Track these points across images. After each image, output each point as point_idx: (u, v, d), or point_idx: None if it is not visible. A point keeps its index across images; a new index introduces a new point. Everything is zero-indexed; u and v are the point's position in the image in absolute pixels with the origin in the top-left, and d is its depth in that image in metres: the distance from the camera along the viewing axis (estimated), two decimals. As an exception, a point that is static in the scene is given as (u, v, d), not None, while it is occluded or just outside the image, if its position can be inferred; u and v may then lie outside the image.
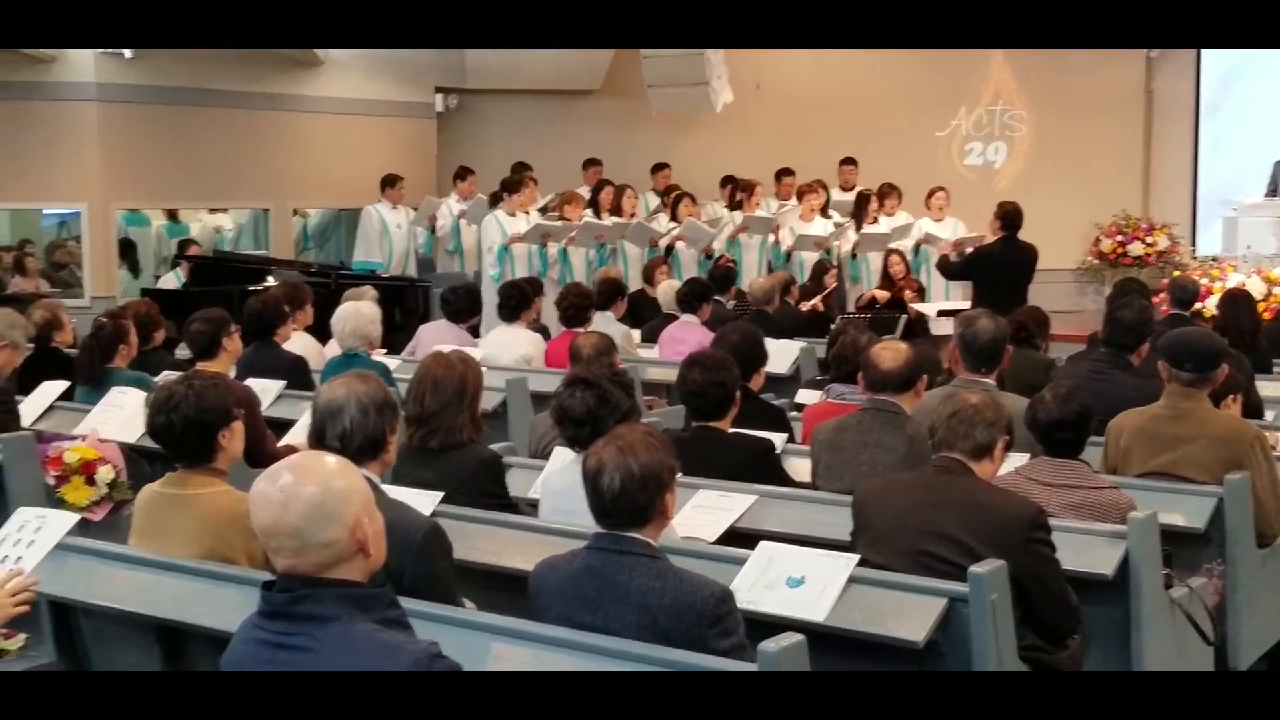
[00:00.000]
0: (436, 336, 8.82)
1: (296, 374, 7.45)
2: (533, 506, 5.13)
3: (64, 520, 4.08)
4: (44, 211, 14.32)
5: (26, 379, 7.31)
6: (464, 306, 9.14)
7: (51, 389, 7.08)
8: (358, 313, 7.69)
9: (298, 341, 8.06)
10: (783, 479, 5.34)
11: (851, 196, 13.80)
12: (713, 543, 4.65)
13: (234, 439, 4.32)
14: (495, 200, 13.01)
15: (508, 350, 8.73)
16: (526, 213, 12.73)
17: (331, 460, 2.92)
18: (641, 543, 3.54)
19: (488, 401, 7.24)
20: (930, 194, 13.26)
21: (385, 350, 8.57)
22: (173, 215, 15.04)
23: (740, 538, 4.65)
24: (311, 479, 2.80)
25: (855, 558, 4.04)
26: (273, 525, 2.78)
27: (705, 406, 5.29)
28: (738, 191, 13.45)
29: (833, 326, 9.27)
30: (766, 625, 3.65)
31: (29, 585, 3.89)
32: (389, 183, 13.72)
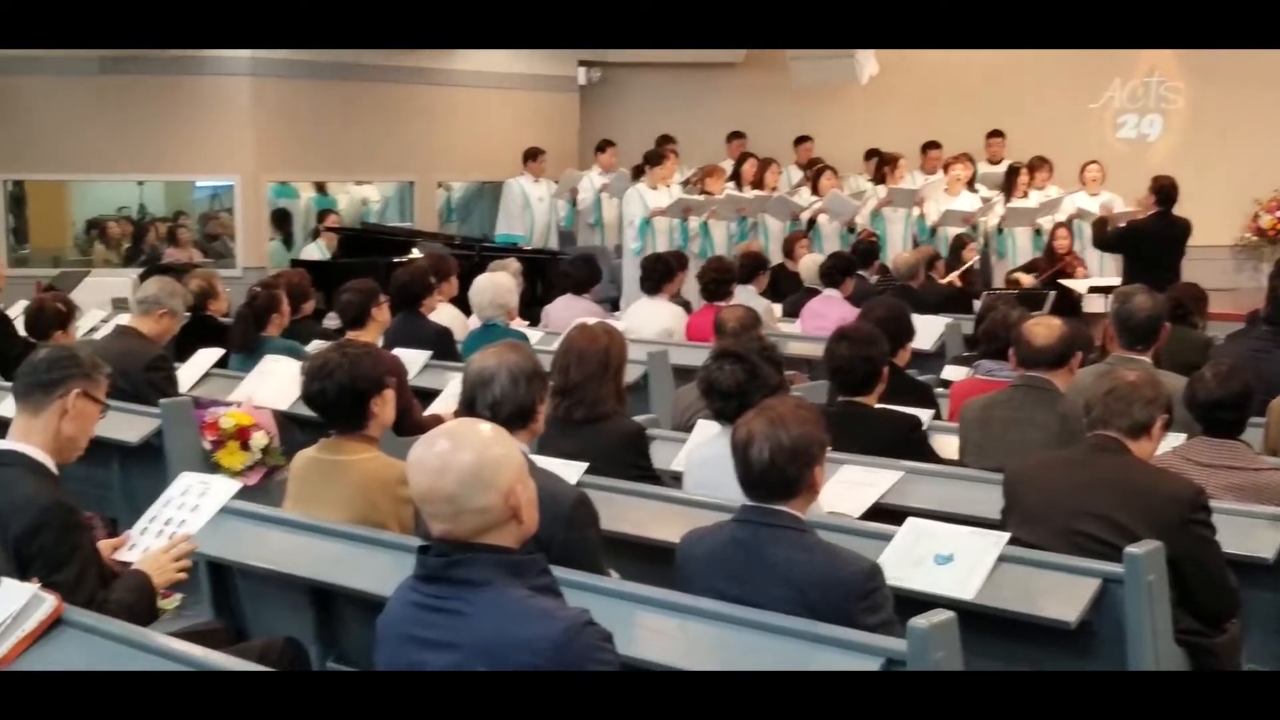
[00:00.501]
0: (565, 311, 8.87)
1: (442, 345, 7.55)
2: (675, 479, 5.13)
3: (227, 487, 4.17)
4: (197, 184, 14.65)
5: (183, 346, 7.51)
6: (584, 277, 9.18)
7: (207, 356, 7.26)
8: (495, 283, 7.78)
9: (443, 313, 8.16)
10: (929, 455, 5.28)
11: (998, 170, 13.55)
12: (857, 518, 4.61)
13: (386, 407, 4.40)
14: (637, 173, 13.03)
15: (649, 323, 8.74)
16: (668, 186, 12.71)
17: (486, 428, 2.95)
18: (789, 515, 3.53)
19: (630, 374, 7.28)
20: (1084, 167, 12.95)
21: (527, 323, 8.64)
22: (321, 188, 15.30)
23: (885, 514, 4.62)
24: (467, 446, 2.83)
25: (1005, 536, 3.99)
26: (429, 490, 2.82)
27: (852, 381, 5.24)
28: (881, 165, 13.28)
29: (977, 302, 9.16)
30: (913, 602, 3.61)
31: (190, 550, 4.00)
32: (531, 156, 13.81)
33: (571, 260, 9.70)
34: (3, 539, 3.59)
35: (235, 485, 4.20)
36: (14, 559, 3.62)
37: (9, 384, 6.53)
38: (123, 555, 4.03)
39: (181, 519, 4.05)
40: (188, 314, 7.92)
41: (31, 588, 3.44)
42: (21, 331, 7.91)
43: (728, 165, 13.40)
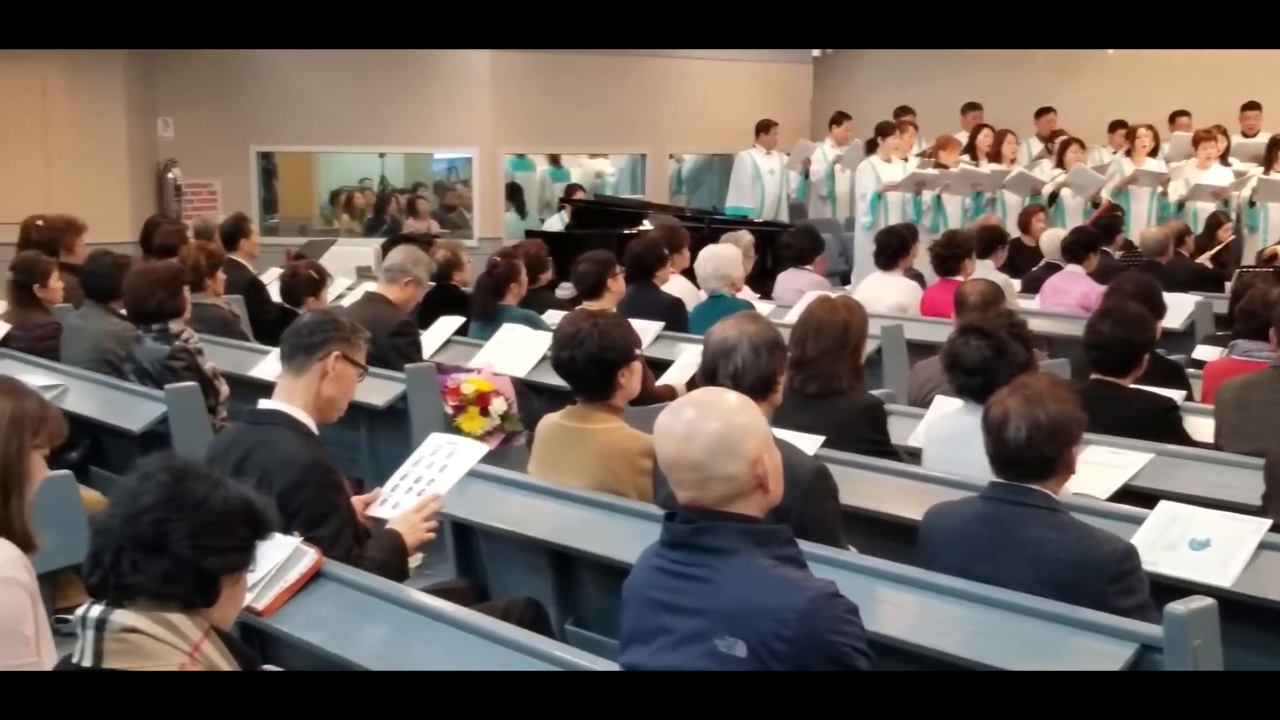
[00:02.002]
0: (790, 283, 8.83)
1: (674, 315, 7.60)
2: (911, 455, 5.07)
3: (474, 450, 4.26)
4: (435, 156, 15.03)
5: (427, 314, 7.72)
6: (806, 247, 9.12)
7: (448, 324, 7.45)
8: (718, 254, 7.80)
9: (675, 284, 8.22)
10: (1182, 438, 5.10)
11: (1252, 143, 12.93)
12: (1106, 500, 4.49)
13: (632, 378, 4.46)
14: (871, 146, 12.88)
15: (883, 298, 8.64)
16: (904, 159, 12.53)
17: (733, 396, 2.97)
18: (1041, 494, 3.46)
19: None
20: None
21: (758, 295, 8.64)
22: (555, 160, 15.54)
23: (1134, 497, 4.48)
24: (714, 414, 2.86)
25: (1267, 523, 3.83)
26: (676, 458, 2.85)
27: (1108, 361, 5.10)
28: (1128, 137, 12.83)
29: (1229, 281, 8.82)
30: (1166, 589, 3.50)
31: (438, 510, 4.12)
32: (763, 128, 13.78)
33: (794, 232, 9.65)
34: (266, 494, 3.74)
35: (483, 448, 4.29)
36: (277, 514, 3.79)
37: (264, 347, 6.91)
38: (374, 511, 4.17)
39: (430, 478, 4.17)
40: (432, 283, 8.15)
41: (294, 541, 3.60)
42: (275, 297, 8.25)
43: (963, 138, 13.14)
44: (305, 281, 7.54)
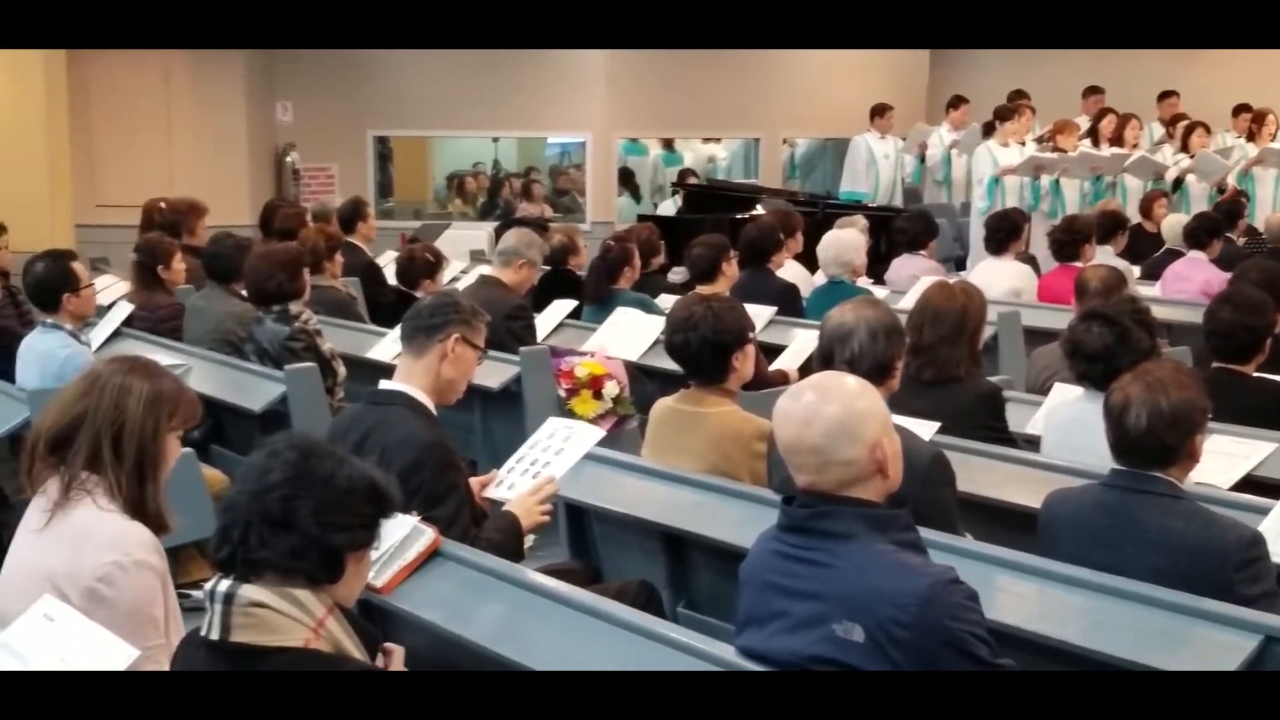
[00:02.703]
0: (904, 268, 8.75)
1: (787, 300, 7.57)
2: (1028, 442, 5.01)
3: (591, 434, 4.28)
4: (548, 140, 15.11)
5: (541, 297, 7.78)
6: (919, 232, 9.03)
7: (562, 307, 7.50)
8: (839, 240, 7.75)
9: (789, 269, 8.19)
10: (1307, 428, 4.99)
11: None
12: (1228, 490, 4.41)
13: (746, 361, 4.45)
14: (988, 130, 12.72)
15: (995, 283, 8.52)
16: (1021, 143, 12.36)
17: (853, 381, 2.96)
18: (1166, 482, 3.42)
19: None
20: None
21: (871, 280, 8.57)
22: (668, 145, 15.54)
23: (1258, 487, 4.39)
24: (834, 398, 2.85)
25: (1400, 515, 3.74)
26: (795, 442, 2.84)
27: (1229, 348, 5.00)
28: (1253, 121, 12.55)
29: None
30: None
31: (553, 493, 4.15)
32: (878, 112, 13.65)
33: (907, 216, 9.57)
34: (387, 473, 3.78)
35: (599, 432, 4.30)
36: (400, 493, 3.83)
37: (380, 329, 7.01)
38: (490, 493, 4.21)
39: (546, 461, 4.19)
40: (547, 267, 8.20)
41: (412, 520, 3.63)
42: (391, 280, 8.35)
43: (1083, 122, 12.93)
44: (422, 264, 7.62)
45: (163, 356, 5.84)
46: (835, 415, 2.82)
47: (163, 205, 8.95)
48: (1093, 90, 13.77)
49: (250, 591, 2.47)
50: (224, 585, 2.49)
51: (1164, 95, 13.70)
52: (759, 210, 11.23)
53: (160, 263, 7.31)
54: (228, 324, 6.71)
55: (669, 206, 13.61)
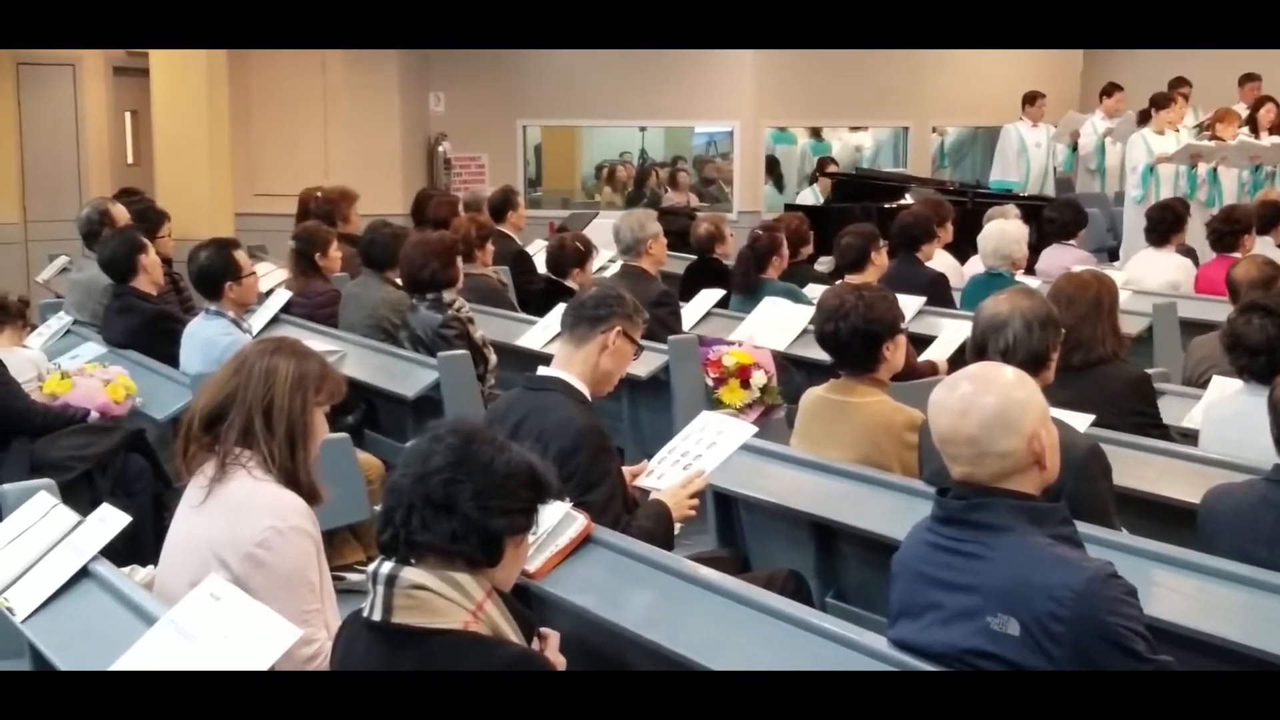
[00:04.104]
0: (1055, 259, 8.61)
1: (937, 291, 7.50)
2: (1185, 436, 4.92)
3: (744, 430, 4.30)
4: (695, 130, 15.11)
5: (688, 286, 7.80)
6: (1069, 221, 8.86)
7: (709, 296, 7.51)
8: (1002, 231, 7.64)
9: (939, 259, 8.10)
10: None
11: None
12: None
13: (897, 351, 4.44)
14: (1143, 118, 12.45)
15: (1154, 275, 8.39)
16: (1176, 131, 12.08)
17: (1010, 372, 2.94)
18: (1333, 479, 3.34)
19: (1133, 325, 7.03)
20: None
21: (1021, 270, 8.44)
22: (816, 134, 15.46)
23: None
24: (991, 389, 2.83)
25: None
26: (951, 433, 2.83)
27: None
28: None
29: None
30: None
31: (702, 487, 4.18)
32: (1029, 100, 13.45)
33: (1057, 205, 9.41)
34: (542, 458, 3.83)
35: (752, 429, 4.32)
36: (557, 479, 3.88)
37: (530, 318, 7.09)
38: (642, 481, 4.25)
39: (698, 454, 4.22)
40: (694, 256, 8.22)
41: (565, 506, 3.69)
42: (540, 269, 8.44)
43: (1242, 110, 12.59)
44: (572, 253, 7.69)
45: (319, 343, 6.00)
46: (992, 406, 2.80)
47: (318, 194, 9.15)
48: (1249, 78, 13.38)
49: (412, 574, 2.52)
50: (386, 567, 2.55)
51: (1325, 82, 13.28)
52: (907, 199, 11.13)
53: (318, 250, 7.48)
54: (382, 311, 6.84)
55: (808, 196, 13.54)
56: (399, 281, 6.75)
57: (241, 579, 3.10)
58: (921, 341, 6.59)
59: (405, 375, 6.05)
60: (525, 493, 2.59)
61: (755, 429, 4.36)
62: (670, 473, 4.24)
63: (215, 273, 6.15)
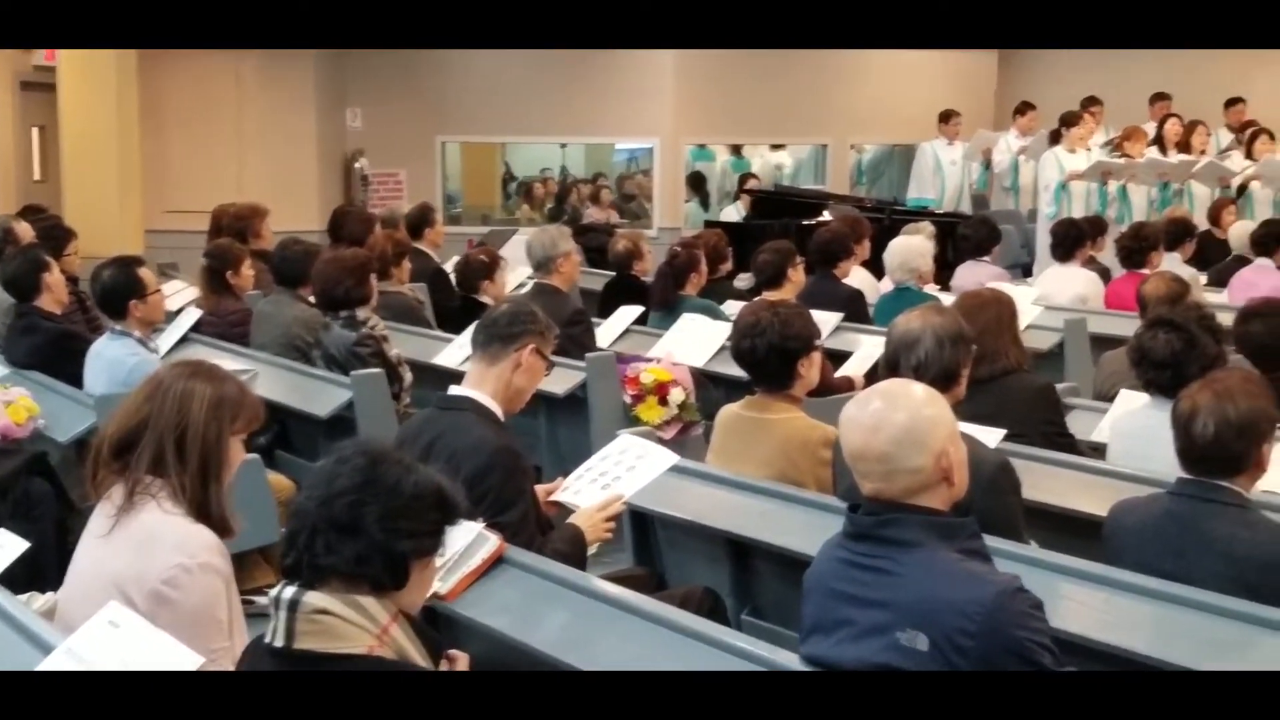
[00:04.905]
0: (969, 275, 8.71)
1: (854, 307, 7.54)
2: (1094, 450, 4.98)
3: (665, 458, 4.30)
4: (616, 146, 15.14)
5: (606, 303, 7.79)
6: (983, 238, 8.98)
7: (627, 313, 7.51)
8: (907, 246, 7.73)
9: (855, 275, 8.16)
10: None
11: None
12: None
13: (812, 368, 4.46)
14: (1055, 137, 12.63)
15: (1062, 290, 8.50)
16: (1087, 149, 12.27)
17: (919, 389, 2.96)
18: (1232, 491, 3.41)
19: (1044, 341, 7.12)
20: None
21: (938, 287, 8.53)
22: (737, 151, 15.54)
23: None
24: (901, 406, 2.85)
25: None
26: (862, 449, 2.84)
27: (1277, 356, 4.94)
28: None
29: None
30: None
31: (619, 512, 4.16)
32: (945, 118, 13.62)
33: (971, 222, 9.54)
34: (454, 479, 3.79)
35: (674, 457, 4.32)
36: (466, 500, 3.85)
37: (447, 335, 7.05)
38: (559, 497, 4.24)
39: (617, 475, 4.22)
40: (612, 272, 8.22)
41: (477, 526, 3.66)
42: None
43: (1150, 128, 12.81)
44: (477, 267, 7.66)
45: (230, 362, 5.92)
46: (903, 423, 2.82)
47: (231, 210, 9.05)
48: (1160, 97, 13.64)
49: (315, 598, 2.48)
50: (289, 592, 2.50)
51: (1231, 102, 13.56)
52: (826, 216, 11.20)
53: (230, 268, 7.37)
54: (295, 329, 6.76)
55: (732, 212, 13.60)
56: (312, 299, 6.68)
57: (147, 616, 3.02)
58: (839, 357, 6.63)
59: (318, 394, 5.99)
60: (432, 514, 2.56)
61: (676, 458, 4.35)
62: (588, 490, 4.22)
63: (119, 291, 6.04)
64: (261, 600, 4.92)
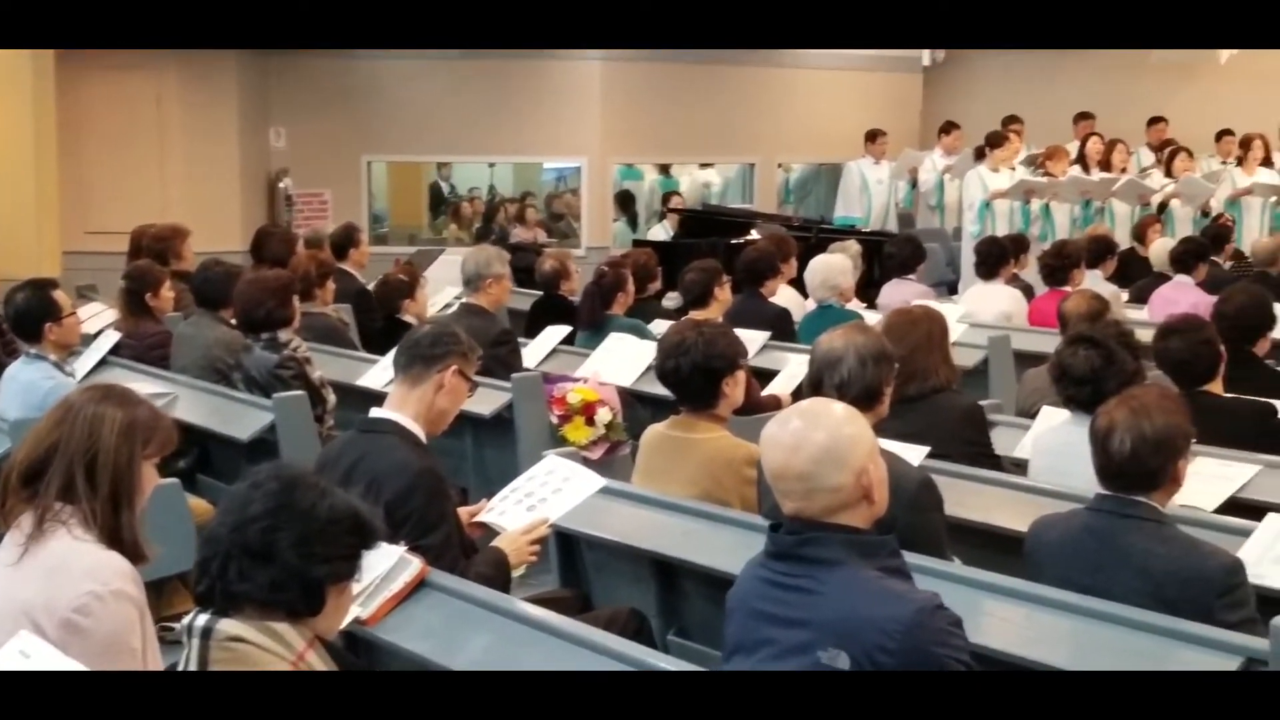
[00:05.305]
0: (895, 293, 8.79)
1: (781, 325, 7.57)
2: (1017, 466, 5.02)
3: (591, 482, 4.29)
4: (544, 165, 15.12)
5: (533, 323, 7.77)
6: (908, 256, 9.07)
7: (554, 333, 7.49)
8: (827, 264, 7.79)
9: (782, 294, 8.20)
10: (1287, 446, 5.01)
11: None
12: (1212, 512, 4.41)
13: (737, 387, 4.47)
14: (979, 155, 12.77)
15: (986, 307, 8.59)
16: (1011, 168, 12.41)
17: (839, 407, 2.97)
18: (1149, 507, 3.45)
19: (969, 358, 7.17)
20: None
21: (864, 305, 8.59)
22: (665, 170, 15.57)
23: (1241, 509, 4.40)
24: (821, 425, 2.86)
25: (1377, 534, 3.76)
26: (782, 468, 2.85)
27: (1194, 372, 5.02)
28: (1238, 146, 12.62)
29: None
30: (1274, 601, 3.46)
31: (545, 535, 4.14)
32: (870, 137, 13.73)
33: (896, 241, 9.63)
34: (375, 502, 3.76)
35: (601, 481, 4.31)
36: (385, 522, 3.80)
37: (372, 356, 7.00)
38: (482, 518, 4.21)
39: (543, 497, 4.20)
40: (539, 292, 8.20)
41: (399, 550, 3.63)
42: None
43: (1073, 147, 12.98)
44: (397, 287, 7.61)
45: (149, 385, 5.84)
46: (823, 442, 2.83)
47: (151, 231, 8.93)
48: (1083, 116, 13.83)
49: (228, 626, 2.45)
50: (202, 620, 2.47)
51: (1153, 121, 13.80)
52: (754, 235, 11.25)
53: (149, 290, 7.27)
54: (216, 352, 6.67)
55: (659, 231, 13.63)
56: (233, 321, 6.61)
57: (58, 645, 2.95)
58: (766, 376, 6.65)
59: (239, 417, 5.92)
60: (349, 539, 2.54)
61: (603, 481, 4.33)
62: (514, 511, 4.20)
63: (33, 314, 5.95)
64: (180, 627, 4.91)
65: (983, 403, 5.31)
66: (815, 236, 11.53)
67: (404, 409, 4.06)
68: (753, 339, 7.14)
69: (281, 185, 13.32)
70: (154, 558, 3.23)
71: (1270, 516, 3.92)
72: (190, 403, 6.15)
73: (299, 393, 5.85)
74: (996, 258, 8.80)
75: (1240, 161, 12.49)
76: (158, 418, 3.29)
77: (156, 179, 12.58)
